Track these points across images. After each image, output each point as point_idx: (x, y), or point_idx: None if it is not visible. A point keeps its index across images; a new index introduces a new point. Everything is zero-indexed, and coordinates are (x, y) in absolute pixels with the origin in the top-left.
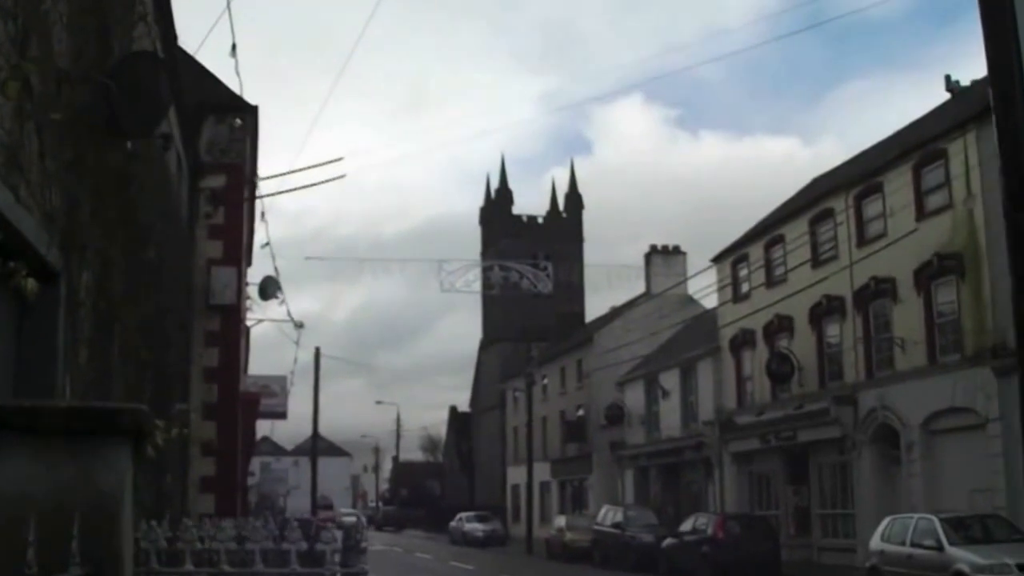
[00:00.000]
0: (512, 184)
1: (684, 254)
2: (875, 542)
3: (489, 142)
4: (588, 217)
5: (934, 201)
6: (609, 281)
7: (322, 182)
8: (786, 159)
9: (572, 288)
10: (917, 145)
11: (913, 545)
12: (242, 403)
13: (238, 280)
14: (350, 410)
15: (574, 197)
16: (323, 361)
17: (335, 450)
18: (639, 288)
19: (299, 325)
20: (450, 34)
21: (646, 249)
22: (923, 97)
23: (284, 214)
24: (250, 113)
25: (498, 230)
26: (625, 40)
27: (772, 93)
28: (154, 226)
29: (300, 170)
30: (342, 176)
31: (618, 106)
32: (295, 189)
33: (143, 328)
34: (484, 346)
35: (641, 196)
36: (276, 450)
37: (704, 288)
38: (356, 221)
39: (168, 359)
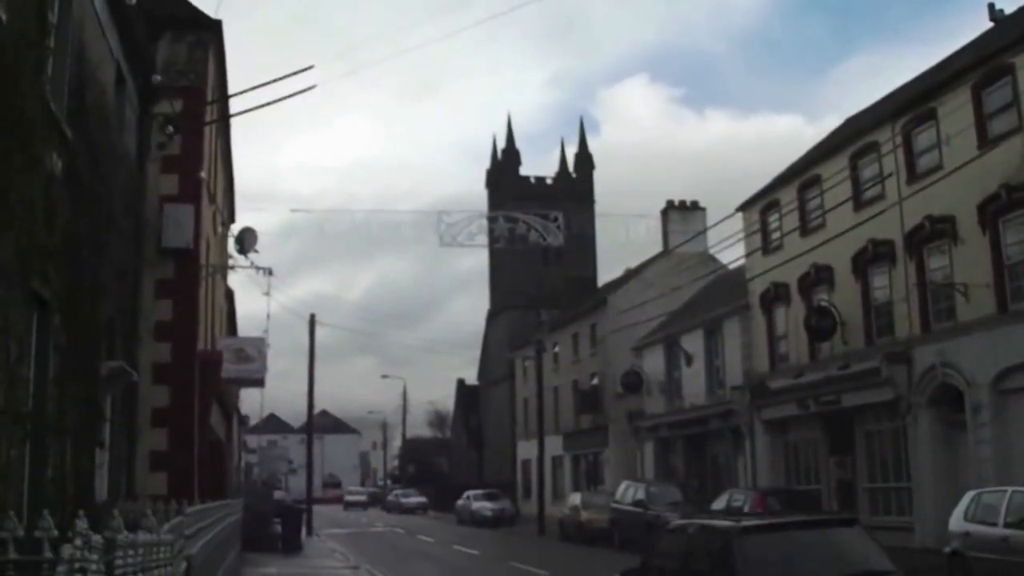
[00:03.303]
0: (520, 160)
1: (703, 210)
2: (956, 522)
3: (497, 121)
4: (597, 191)
5: (999, 125)
6: (626, 231)
7: (291, 95)
8: (791, 137)
9: (584, 243)
10: (976, 62)
11: (1008, 526)
12: (201, 364)
13: (196, 220)
14: (360, 388)
15: (584, 157)
16: (334, 340)
17: (343, 427)
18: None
19: (267, 272)
20: (456, 17)
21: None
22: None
23: (299, 197)
24: (212, 30)
25: (505, 193)
26: (631, 19)
27: (777, 69)
28: (58, 127)
29: (267, 84)
30: (312, 87)
31: (625, 86)
32: (262, 106)
33: (38, 255)
34: (492, 316)
35: (649, 175)
36: (282, 427)
37: (727, 240)
38: (369, 202)
39: (95, 304)
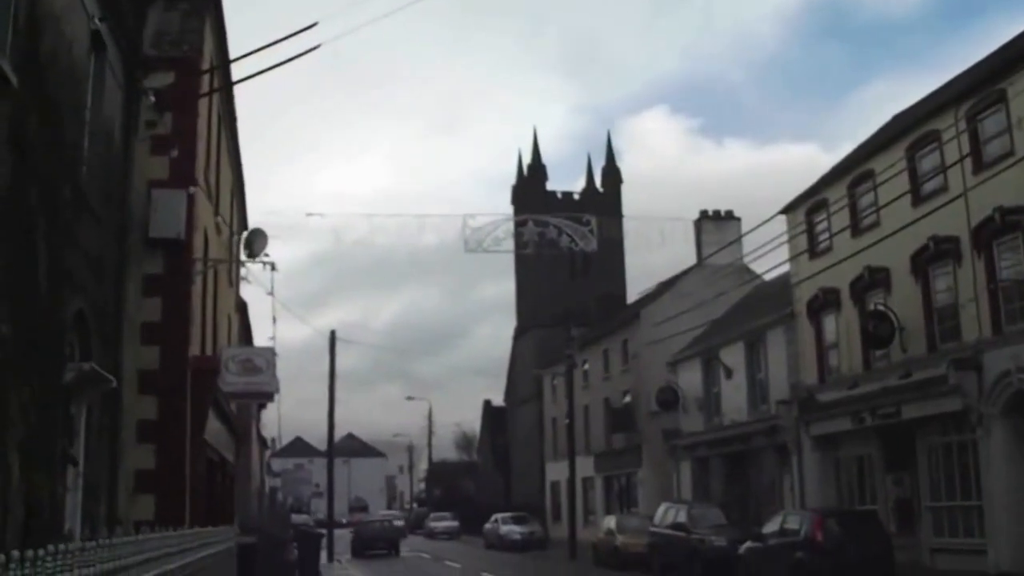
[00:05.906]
0: (547, 175)
1: (738, 220)
2: None
3: (523, 143)
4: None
5: None
6: (662, 237)
7: (295, 57)
8: (808, 166)
9: (613, 257)
10: None
11: None
12: (194, 371)
13: (189, 207)
14: (386, 412)
15: (612, 171)
16: (361, 366)
17: (369, 450)
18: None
19: (272, 267)
20: (479, 50)
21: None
22: None
23: (324, 231)
24: None
25: (531, 208)
26: (650, 50)
27: (795, 98)
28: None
29: (269, 45)
30: (317, 47)
31: (644, 117)
32: (263, 71)
33: None
34: (519, 334)
35: (668, 205)
36: (309, 451)
37: (765, 247)
38: (393, 233)
39: (58, 295)
